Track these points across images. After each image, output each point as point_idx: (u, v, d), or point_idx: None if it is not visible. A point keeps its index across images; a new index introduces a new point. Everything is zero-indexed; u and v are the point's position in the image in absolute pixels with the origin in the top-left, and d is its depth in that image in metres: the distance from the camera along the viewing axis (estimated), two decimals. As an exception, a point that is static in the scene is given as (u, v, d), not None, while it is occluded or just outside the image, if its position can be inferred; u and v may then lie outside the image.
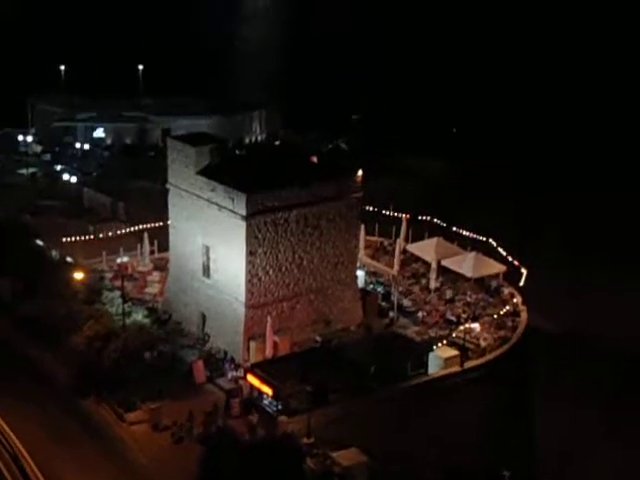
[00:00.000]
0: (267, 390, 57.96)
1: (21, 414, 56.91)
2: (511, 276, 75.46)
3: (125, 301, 66.76)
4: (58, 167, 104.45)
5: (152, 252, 78.03)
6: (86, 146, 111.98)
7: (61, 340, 63.71)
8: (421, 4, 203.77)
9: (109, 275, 75.08)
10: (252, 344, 63.34)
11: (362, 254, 75.31)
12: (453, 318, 69.77)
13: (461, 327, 66.83)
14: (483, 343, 66.58)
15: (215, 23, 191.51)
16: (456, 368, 63.50)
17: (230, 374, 61.79)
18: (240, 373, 61.42)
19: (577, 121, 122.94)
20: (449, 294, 73.62)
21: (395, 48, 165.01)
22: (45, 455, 53.32)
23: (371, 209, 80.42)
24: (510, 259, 76.55)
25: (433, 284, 74.87)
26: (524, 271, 74.99)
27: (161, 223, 75.34)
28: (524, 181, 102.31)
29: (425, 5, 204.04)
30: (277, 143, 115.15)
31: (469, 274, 74.21)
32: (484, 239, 78.83)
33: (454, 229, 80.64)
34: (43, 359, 63.89)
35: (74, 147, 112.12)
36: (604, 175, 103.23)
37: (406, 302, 72.27)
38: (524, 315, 71.13)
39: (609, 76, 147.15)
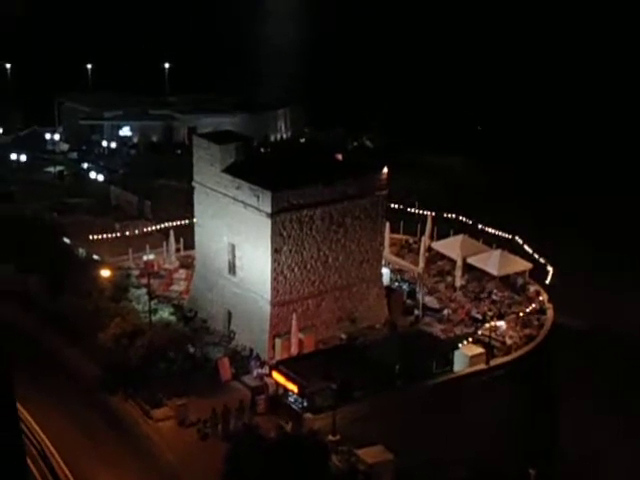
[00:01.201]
0: (292, 387, 58.12)
1: (49, 411, 57.37)
2: (537, 274, 75.22)
3: (151, 298, 67.14)
4: (85, 165, 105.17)
5: (178, 250, 78.42)
6: (113, 144, 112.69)
7: (88, 337, 64.22)
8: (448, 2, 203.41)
9: (135, 273, 75.53)
10: (277, 341, 63.53)
11: (387, 252, 75.31)
12: (479, 316, 69.61)
13: (487, 325, 66.68)
14: (509, 341, 66.41)
15: (239, 22, 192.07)
16: (482, 366, 63.39)
17: (255, 371, 62.00)
18: (266, 370, 61.63)
19: (600, 119, 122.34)
20: (475, 292, 73.50)
21: (420, 45, 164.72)
22: (72, 451, 53.75)
23: (396, 207, 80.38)
24: (536, 257, 76.28)
25: (458, 282, 74.73)
26: (550, 269, 74.72)
27: (187, 221, 75.72)
28: (549, 180, 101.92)
29: (451, 3, 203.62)
30: (302, 141, 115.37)
31: (495, 272, 74.01)
32: (510, 237, 78.59)
33: (479, 226, 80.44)
34: (71, 356, 64.43)
35: (101, 145, 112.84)
36: (627, 175, 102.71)
37: (431, 300, 72.18)
38: (550, 313, 70.86)
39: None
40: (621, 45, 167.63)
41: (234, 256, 66.35)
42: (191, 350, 63.31)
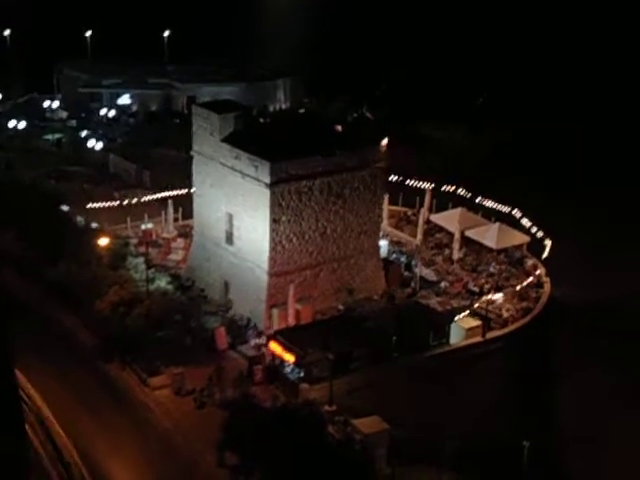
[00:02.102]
0: (289, 357, 58.34)
1: (47, 378, 57.64)
2: (535, 247, 75.30)
3: (149, 267, 67.22)
4: (84, 133, 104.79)
5: (176, 219, 78.39)
6: (111, 112, 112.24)
7: (86, 305, 64.35)
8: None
9: (134, 241, 75.57)
10: (274, 312, 63.69)
11: (385, 223, 75.36)
12: (476, 289, 69.77)
13: (484, 298, 66.86)
14: (505, 314, 66.63)
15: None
16: (478, 339, 63.64)
17: (253, 341, 62.22)
18: (263, 340, 61.84)
19: (605, 86, 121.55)
20: (472, 265, 73.62)
21: (422, 15, 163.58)
22: (70, 418, 54.07)
23: (395, 179, 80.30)
24: (534, 230, 76.32)
25: (456, 254, 74.83)
26: (548, 242, 74.81)
27: (186, 190, 75.65)
28: (549, 152, 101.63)
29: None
30: (301, 111, 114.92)
31: (493, 245, 74.12)
32: (508, 210, 78.57)
33: (478, 200, 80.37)
34: (68, 324, 64.60)
35: (99, 113, 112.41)
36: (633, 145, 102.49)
37: (429, 272, 72.29)
38: (547, 286, 71.05)
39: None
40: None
41: (232, 226, 66.36)
42: (192, 324, 63.41)
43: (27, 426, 49.48)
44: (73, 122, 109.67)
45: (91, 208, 78.79)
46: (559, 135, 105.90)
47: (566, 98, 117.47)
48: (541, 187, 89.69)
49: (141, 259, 70.22)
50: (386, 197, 73.35)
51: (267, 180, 61.99)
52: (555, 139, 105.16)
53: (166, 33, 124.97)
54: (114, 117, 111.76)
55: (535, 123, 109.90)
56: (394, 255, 74.44)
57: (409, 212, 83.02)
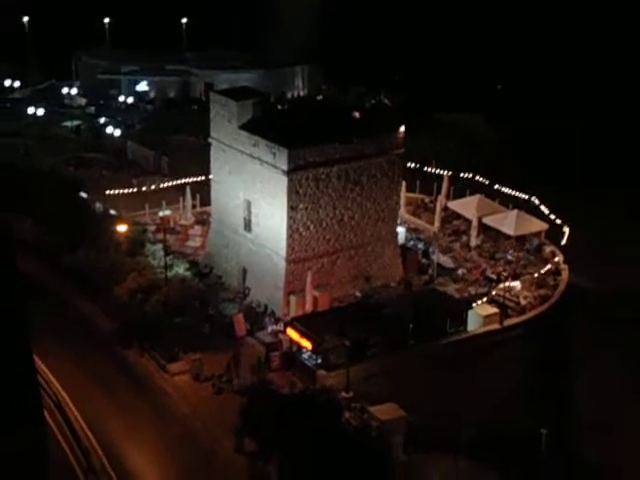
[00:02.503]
0: (306, 344, 58.45)
1: (65, 363, 58.04)
2: (553, 235, 75.05)
3: (167, 254, 67.44)
4: (102, 120, 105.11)
5: (194, 206, 78.59)
6: (130, 99, 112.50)
7: (105, 292, 64.68)
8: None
9: (152, 228, 75.77)
10: (292, 298, 63.82)
11: (403, 211, 75.29)
12: (493, 276, 69.64)
13: (501, 285, 66.73)
14: (523, 301, 66.49)
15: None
16: (495, 326, 63.56)
17: (270, 328, 62.39)
18: (280, 327, 62.00)
19: (621, 75, 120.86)
20: (490, 252, 73.49)
21: (440, 3, 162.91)
22: (88, 404, 54.43)
23: (412, 166, 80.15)
24: (552, 217, 76.04)
25: (474, 241, 74.70)
26: (566, 230, 74.54)
27: (203, 177, 75.78)
28: (569, 140, 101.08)
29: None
30: (319, 98, 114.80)
31: (510, 232, 73.92)
32: (526, 197, 78.32)
33: (496, 187, 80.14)
34: (87, 310, 64.94)
35: (118, 100, 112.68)
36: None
37: (446, 259, 72.20)
38: (565, 274, 70.82)
39: None
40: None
41: (250, 213, 66.46)
42: (211, 312, 63.64)
43: (45, 412, 49.77)
44: (92, 109, 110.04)
45: (109, 195, 79.09)
46: (573, 131, 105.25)
47: (580, 93, 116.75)
48: (559, 176, 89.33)
49: (159, 246, 70.43)
50: (403, 184, 73.22)
51: (285, 167, 62.01)
52: (569, 135, 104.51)
53: (184, 20, 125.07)
54: (132, 104, 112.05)
55: (556, 111, 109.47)
56: (411, 242, 74.39)
57: (427, 199, 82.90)
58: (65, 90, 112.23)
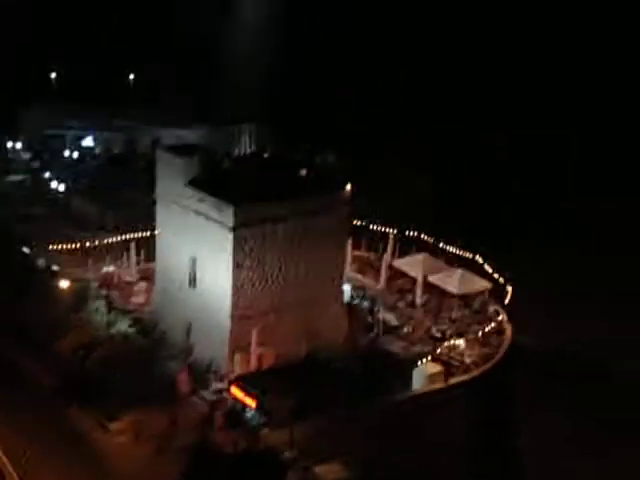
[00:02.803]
0: (250, 402, 57.91)
1: (3, 421, 56.67)
2: (497, 293, 75.72)
3: (110, 310, 66.67)
4: (47, 175, 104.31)
5: (139, 262, 77.96)
6: (75, 154, 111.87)
7: (46, 347, 63.57)
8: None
9: (95, 284, 74.94)
10: (237, 356, 63.32)
11: (349, 268, 75.44)
12: (438, 334, 69.88)
13: (446, 343, 66.94)
14: (468, 360, 66.74)
15: (204, 33, 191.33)
16: (440, 384, 63.60)
17: (214, 386, 61.71)
18: (224, 385, 61.36)
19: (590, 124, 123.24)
20: (434, 310, 73.83)
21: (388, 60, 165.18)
22: (26, 463, 53.08)
23: (359, 223, 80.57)
24: (496, 276, 76.78)
25: (419, 300, 75.01)
26: (509, 288, 75.26)
27: (148, 233, 75.33)
28: (512, 195, 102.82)
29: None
30: (266, 155, 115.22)
31: (455, 290, 74.39)
32: (471, 256, 79.06)
33: (440, 245, 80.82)
34: (27, 366, 63.70)
35: (63, 155, 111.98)
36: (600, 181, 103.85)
37: (391, 317, 72.34)
38: (508, 332, 71.32)
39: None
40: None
41: (195, 269, 66.11)
42: (153, 368, 62.67)
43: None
44: (36, 163, 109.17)
45: (52, 250, 78.16)
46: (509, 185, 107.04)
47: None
48: (501, 234, 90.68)
49: (102, 302, 69.57)
50: (350, 242, 73.50)
51: (231, 223, 61.93)
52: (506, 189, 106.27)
53: (131, 76, 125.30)
54: (78, 159, 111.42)
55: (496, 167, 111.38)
56: (357, 300, 74.46)
57: (372, 257, 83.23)
58: (9, 144, 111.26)
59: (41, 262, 75.93)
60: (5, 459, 53.27)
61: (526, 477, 55.37)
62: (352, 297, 74.08)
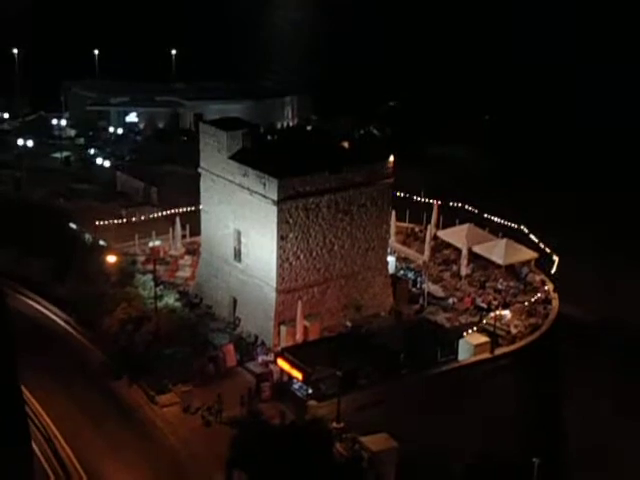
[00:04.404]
0: (297, 374, 58.20)
1: (55, 395, 57.60)
2: (543, 263, 75.15)
3: (157, 284, 67.19)
4: (91, 151, 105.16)
5: (184, 236, 78.46)
6: (119, 130, 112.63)
7: (94, 323, 64.36)
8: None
9: (141, 259, 75.60)
10: (282, 328, 63.60)
11: (393, 240, 75.32)
12: (484, 305, 69.60)
13: (492, 314, 66.68)
14: (514, 330, 66.45)
15: (248, 8, 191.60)
16: (486, 355, 63.43)
17: (260, 358, 62.11)
18: (270, 357, 61.72)
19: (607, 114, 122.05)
20: (480, 281, 73.51)
21: (427, 34, 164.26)
22: (76, 435, 53.98)
23: (402, 195, 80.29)
24: (542, 246, 76.19)
25: (464, 271, 74.70)
26: (556, 258, 74.65)
27: (193, 208, 75.73)
28: (555, 171, 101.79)
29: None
30: (309, 128, 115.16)
31: (500, 261, 73.97)
32: (515, 226, 78.49)
33: (485, 216, 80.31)
34: (76, 341, 64.58)
35: (107, 131, 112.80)
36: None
37: (436, 288, 72.16)
38: (555, 303, 70.83)
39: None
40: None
41: (240, 243, 66.39)
42: (201, 341, 63.08)
43: (34, 444, 49.34)
44: (81, 140, 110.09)
45: (99, 225, 78.94)
46: (568, 152, 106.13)
47: (568, 120, 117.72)
48: (549, 203, 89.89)
49: (149, 276, 70.22)
50: (393, 213, 73.33)
51: (275, 197, 62.03)
52: (564, 156, 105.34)
53: (173, 51, 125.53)
54: (122, 135, 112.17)
55: (543, 140, 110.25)
56: (402, 271, 74.36)
57: (416, 228, 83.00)
58: (54, 121, 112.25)
59: (88, 238, 76.69)
60: (57, 432, 54.19)
61: (574, 449, 55.08)
62: (397, 268, 73.98)
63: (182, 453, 52.91)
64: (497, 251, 74.29)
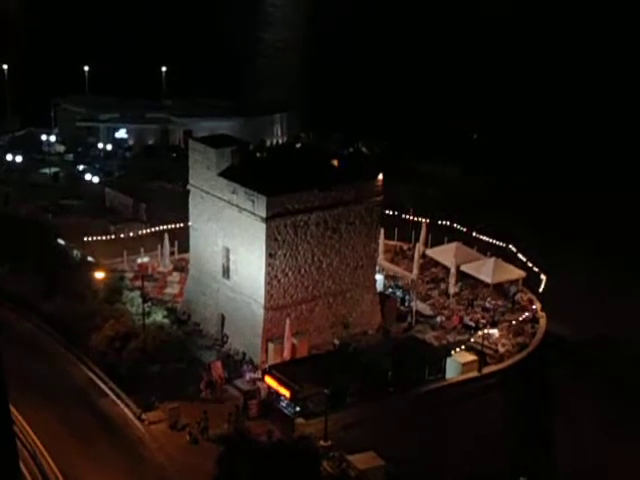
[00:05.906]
0: (285, 392, 58.12)
1: (41, 412, 57.31)
2: (531, 282, 75.34)
3: (145, 301, 67.06)
4: (80, 167, 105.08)
5: (172, 253, 78.42)
6: (108, 147, 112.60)
7: (82, 339, 64.16)
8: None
9: (130, 275, 75.49)
10: (270, 346, 63.54)
11: (381, 258, 75.42)
12: (472, 323, 69.70)
13: (479, 332, 66.76)
14: (501, 349, 66.52)
15: (237, 25, 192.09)
16: (474, 373, 63.48)
17: (248, 375, 62.01)
18: (258, 375, 61.64)
19: (596, 121, 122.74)
20: (468, 299, 73.64)
21: (417, 53, 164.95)
22: (64, 453, 53.71)
23: (391, 213, 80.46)
24: (530, 265, 76.39)
25: (452, 289, 74.83)
26: (543, 277, 74.86)
27: (182, 224, 75.72)
28: (542, 186, 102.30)
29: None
30: (298, 146, 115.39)
31: (488, 280, 74.12)
32: (504, 245, 78.71)
33: (474, 234, 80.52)
34: (64, 358, 64.33)
35: (97, 147, 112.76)
36: (621, 176, 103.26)
37: (425, 306, 72.25)
38: (543, 321, 70.97)
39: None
40: (618, 45, 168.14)
41: (228, 260, 66.39)
42: (188, 358, 62.98)
43: (20, 462, 49.11)
44: (70, 156, 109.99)
45: (87, 242, 78.81)
46: (557, 170, 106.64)
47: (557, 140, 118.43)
48: (533, 225, 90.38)
49: (137, 293, 70.10)
50: (382, 231, 73.47)
51: (263, 214, 62.10)
52: (552, 175, 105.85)
53: (164, 68, 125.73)
54: (111, 151, 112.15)
55: (530, 159, 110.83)
56: (390, 289, 74.44)
57: (405, 246, 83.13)
58: (44, 137, 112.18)
59: (76, 254, 76.55)
60: (44, 450, 53.91)
61: (561, 467, 55.16)
62: (385, 286, 74.06)
63: (169, 470, 52.70)
64: (485, 270, 74.45)
